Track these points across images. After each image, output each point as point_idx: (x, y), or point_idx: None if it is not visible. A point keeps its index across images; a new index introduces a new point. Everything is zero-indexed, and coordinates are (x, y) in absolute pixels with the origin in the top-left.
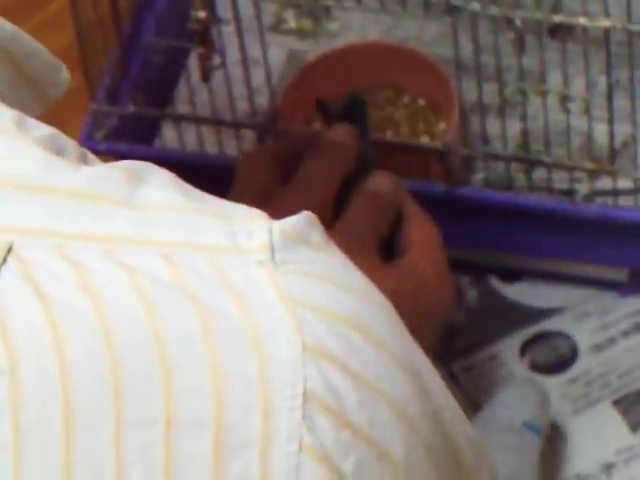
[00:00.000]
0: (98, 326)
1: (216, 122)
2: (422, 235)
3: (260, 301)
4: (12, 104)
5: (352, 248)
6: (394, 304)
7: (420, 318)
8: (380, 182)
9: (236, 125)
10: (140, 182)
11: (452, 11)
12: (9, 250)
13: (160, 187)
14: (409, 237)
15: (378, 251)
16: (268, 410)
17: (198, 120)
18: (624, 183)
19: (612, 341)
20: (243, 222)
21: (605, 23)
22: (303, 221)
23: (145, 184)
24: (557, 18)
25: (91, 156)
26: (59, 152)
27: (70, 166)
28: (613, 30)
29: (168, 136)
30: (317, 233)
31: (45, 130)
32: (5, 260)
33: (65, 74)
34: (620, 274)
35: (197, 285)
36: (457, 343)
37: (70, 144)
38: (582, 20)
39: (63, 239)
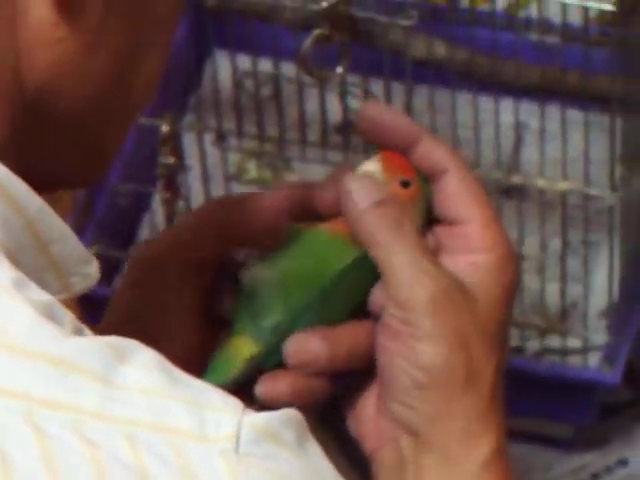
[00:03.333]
0: None
1: None
2: (475, 211)
3: None
4: (27, 273)
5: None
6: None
7: (509, 321)
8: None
9: None
10: (123, 360)
11: None
12: None
13: (142, 368)
14: (459, 212)
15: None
16: None
17: None
18: (573, 342)
19: None
20: (215, 411)
21: (563, 186)
22: (279, 418)
23: (128, 363)
24: (516, 179)
25: (88, 332)
26: (54, 319)
27: (60, 333)
28: (569, 193)
29: None
30: (291, 432)
31: (44, 296)
32: None
33: (94, 269)
34: (566, 431)
35: (156, 469)
36: None
37: (68, 316)
38: (540, 182)
39: (32, 403)
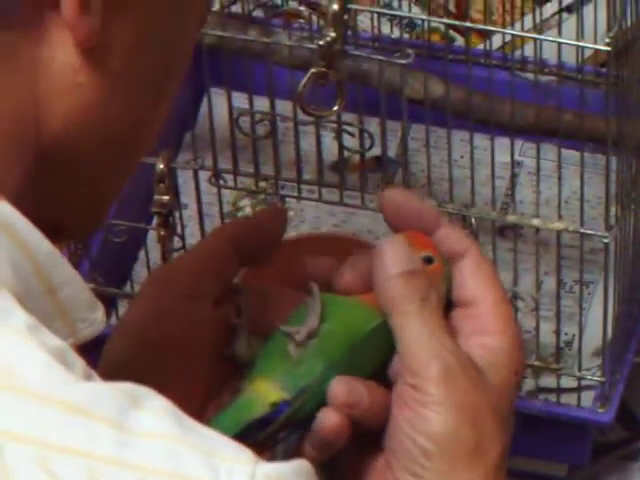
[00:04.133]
0: None
1: None
2: (488, 292)
3: None
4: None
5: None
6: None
7: (513, 405)
8: None
9: None
10: (137, 406)
11: None
12: None
13: (155, 414)
14: (471, 295)
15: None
16: None
17: None
18: (567, 381)
19: None
20: (228, 461)
21: (558, 225)
22: (292, 469)
23: (141, 408)
24: (511, 218)
25: (97, 377)
26: (66, 365)
27: (72, 379)
28: (564, 232)
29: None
30: None
31: (57, 342)
32: None
33: (100, 315)
34: (560, 470)
35: None
36: None
37: (78, 362)
38: (535, 221)
39: (47, 449)
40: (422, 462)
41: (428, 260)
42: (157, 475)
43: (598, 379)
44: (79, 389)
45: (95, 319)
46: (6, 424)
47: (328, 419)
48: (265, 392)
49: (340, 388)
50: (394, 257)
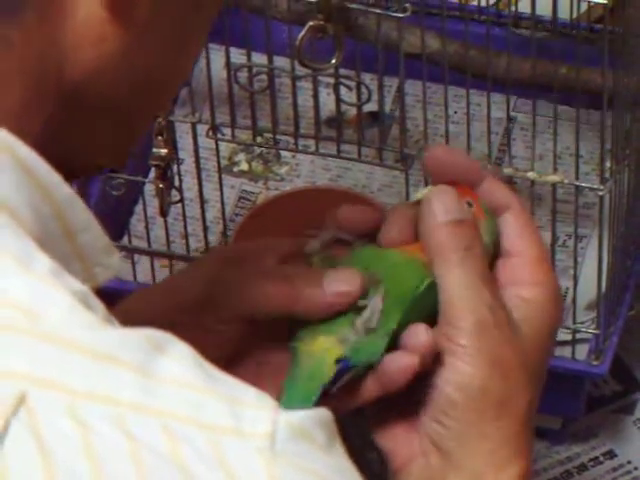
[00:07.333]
0: None
1: (169, 256)
2: (528, 245)
3: None
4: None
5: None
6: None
7: (548, 360)
8: None
9: (189, 260)
10: (161, 352)
11: (405, 158)
12: (22, 400)
13: (179, 360)
14: (512, 249)
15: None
16: None
17: (152, 253)
18: (561, 335)
19: None
20: (251, 408)
21: (554, 178)
22: (312, 418)
23: (165, 354)
24: (506, 171)
25: (116, 322)
26: (89, 308)
27: (97, 323)
28: (559, 185)
29: (121, 267)
30: (323, 433)
31: (79, 286)
32: (17, 411)
33: (115, 259)
34: (554, 423)
35: (193, 462)
36: None
37: (99, 305)
38: (530, 174)
39: (74, 396)
40: (448, 411)
41: (469, 204)
42: (181, 421)
43: (592, 332)
44: (104, 334)
45: (110, 264)
46: (28, 368)
47: (405, 360)
48: (326, 350)
49: (424, 336)
50: (442, 205)
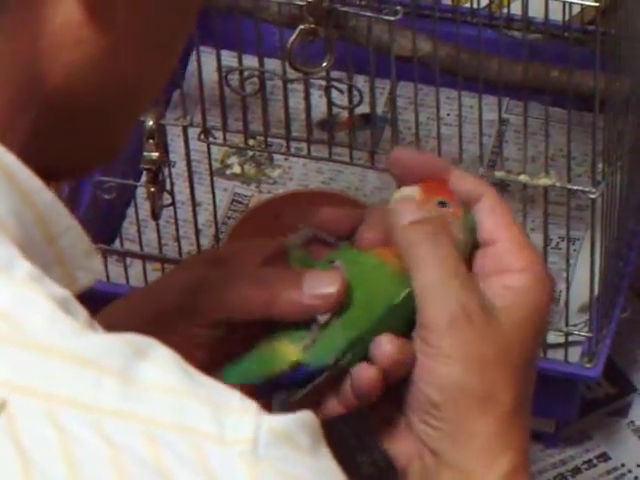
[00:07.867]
0: None
1: (162, 259)
2: (506, 232)
3: None
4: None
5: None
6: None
7: (537, 346)
8: None
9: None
10: (143, 356)
11: None
12: (2, 407)
13: (161, 365)
14: (491, 237)
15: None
16: None
17: (144, 257)
18: (554, 337)
19: None
20: (234, 412)
21: (546, 181)
22: (296, 421)
23: (148, 359)
24: (498, 174)
25: (98, 327)
26: (70, 314)
27: (78, 329)
28: (551, 188)
29: (113, 271)
30: (307, 436)
31: (61, 291)
32: None
33: (97, 263)
34: (548, 426)
35: (175, 467)
36: None
37: (81, 310)
38: (522, 177)
39: (54, 402)
40: (432, 412)
41: (442, 204)
42: (163, 427)
43: (585, 334)
44: (85, 340)
45: (92, 267)
46: (8, 375)
47: (366, 372)
48: (286, 351)
49: (385, 344)
50: (403, 210)
